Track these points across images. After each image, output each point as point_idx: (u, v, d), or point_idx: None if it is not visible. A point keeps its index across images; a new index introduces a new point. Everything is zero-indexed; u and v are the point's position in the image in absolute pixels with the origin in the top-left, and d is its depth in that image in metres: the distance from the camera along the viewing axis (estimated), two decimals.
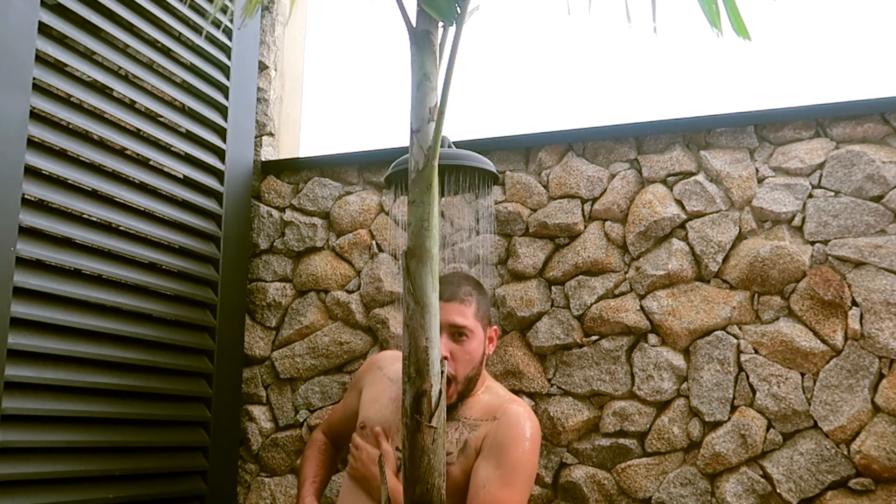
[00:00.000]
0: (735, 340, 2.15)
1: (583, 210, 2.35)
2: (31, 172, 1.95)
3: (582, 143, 2.40)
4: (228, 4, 2.62)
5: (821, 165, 2.16)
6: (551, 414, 2.26)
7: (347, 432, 2.04)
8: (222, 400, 2.49)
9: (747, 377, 2.12)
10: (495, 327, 1.96)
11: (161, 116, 2.38)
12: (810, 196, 2.15)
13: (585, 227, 2.34)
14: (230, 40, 2.62)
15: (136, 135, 2.29)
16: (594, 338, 2.27)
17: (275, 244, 2.70)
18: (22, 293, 1.91)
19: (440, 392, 1.47)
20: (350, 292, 2.57)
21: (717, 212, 2.22)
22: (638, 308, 2.24)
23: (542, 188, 2.40)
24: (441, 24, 1.53)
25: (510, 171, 2.45)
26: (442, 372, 1.49)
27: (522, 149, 2.46)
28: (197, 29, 2.48)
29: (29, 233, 1.95)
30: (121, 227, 2.21)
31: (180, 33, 2.43)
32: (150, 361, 2.25)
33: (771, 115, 2.21)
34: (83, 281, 2.10)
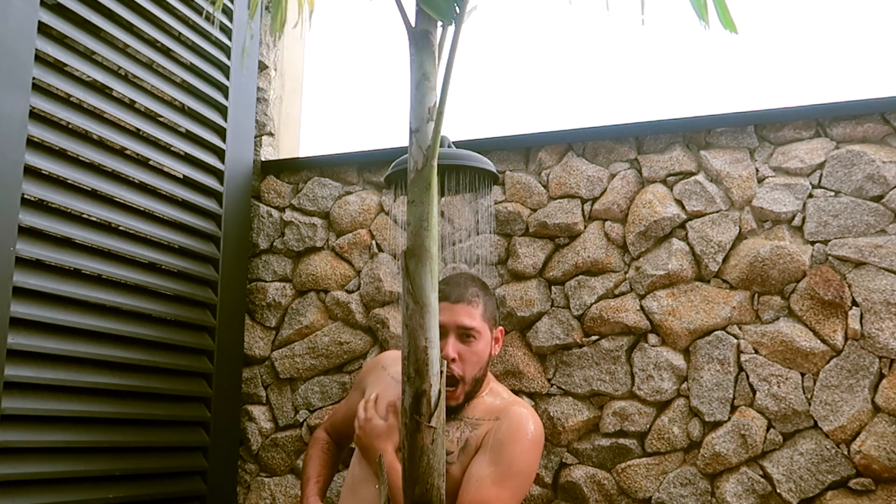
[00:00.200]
0: (735, 340, 2.14)
1: (583, 210, 2.35)
2: (31, 172, 1.95)
3: (582, 143, 2.40)
4: (228, 4, 2.62)
5: (821, 165, 2.15)
6: (551, 414, 2.26)
7: (350, 431, 2.04)
8: (222, 400, 2.49)
9: (747, 377, 2.12)
10: (501, 327, 1.96)
11: (161, 116, 2.38)
12: (810, 196, 2.15)
13: (585, 227, 2.34)
14: (230, 40, 2.62)
15: (136, 135, 2.29)
16: (594, 338, 2.27)
17: (275, 244, 2.70)
18: (22, 293, 1.91)
19: (439, 392, 1.47)
20: (350, 292, 2.57)
21: (717, 212, 2.22)
22: (638, 308, 2.24)
23: (542, 188, 2.40)
24: (440, 23, 1.53)
25: (510, 171, 2.45)
26: (442, 372, 1.49)
27: (522, 149, 2.46)
28: (197, 29, 2.49)
29: (29, 233, 1.95)
30: (121, 227, 2.21)
31: (180, 33, 2.43)
32: (150, 361, 2.25)
33: (771, 115, 2.21)
34: (83, 281, 2.10)
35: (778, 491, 2.05)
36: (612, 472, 2.21)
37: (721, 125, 2.26)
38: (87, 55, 2.14)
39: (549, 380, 2.30)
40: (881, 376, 2.02)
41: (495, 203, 2.42)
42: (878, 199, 2.08)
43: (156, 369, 2.28)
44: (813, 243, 2.12)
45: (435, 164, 1.48)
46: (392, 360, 2.02)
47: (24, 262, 1.93)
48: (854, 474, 2.00)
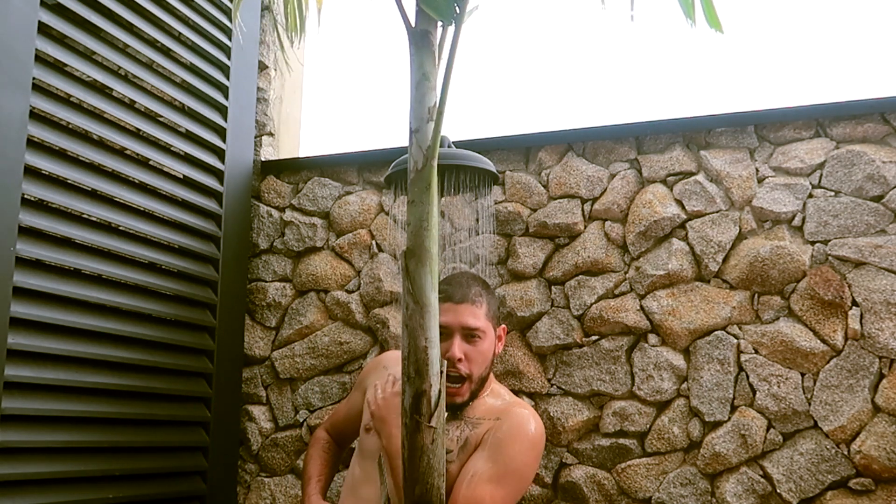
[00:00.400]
0: (735, 340, 2.14)
1: (583, 210, 2.35)
2: (31, 172, 1.95)
3: (582, 143, 2.40)
4: (228, 4, 2.62)
5: (821, 165, 2.15)
6: (551, 414, 2.26)
7: (351, 431, 2.04)
8: (222, 400, 2.49)
9: (747, 377, 2.12)
10: (503, 326, 1.97)
11: (161, 116, 2.38)
12: (810, 196, 2.15)
13: (585, 227, 2.34)
14: (230, 40, 2.62)
15: (136, 135, 2.29)
16: (594, 338, 2.27)
17: (275, 244, 2.70)
18: (22, 293, 1.91)
19: (440, 392, 1.47)
20: (350, 292, 2.57)
21: (717, 212, 2.22)
22: (638, 308, 2.24)
23: (542, 188, 2.40)
24: (440, 23, 1.53)
25: (510, 171, 2.45)
26: (442, 372, 1.49)
27: (522, 149, 2.46)
28: (197, 29, 2.49)
29: (29, 233, 1.95)
30: (121, 227, 2.21)
31: (180, 33, 2.43)
32: (150, 361, 2.25)
33: (771, 115, 2.21)
34: (83, 281, 2.10)
35: (778, 491, 2.05)
36: (612, 472, 2.21)
37: (721, 125, 2.26)
38: (87, 55, 2.14)
39: (549, 380, 2.30)
40: (881, 376, 2.02)
41: (495, 203, 2.42)
42: (878, 199, 2.09)
43: (156, 369, 2.28)
44: (813, 243, 2.12)
45: (435, 164, 1.48)
46: (393, 360, 2.02)
47: (24, 262, 1.93)
48: (854, 474, 2.00)
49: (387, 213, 2.57)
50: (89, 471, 2.06)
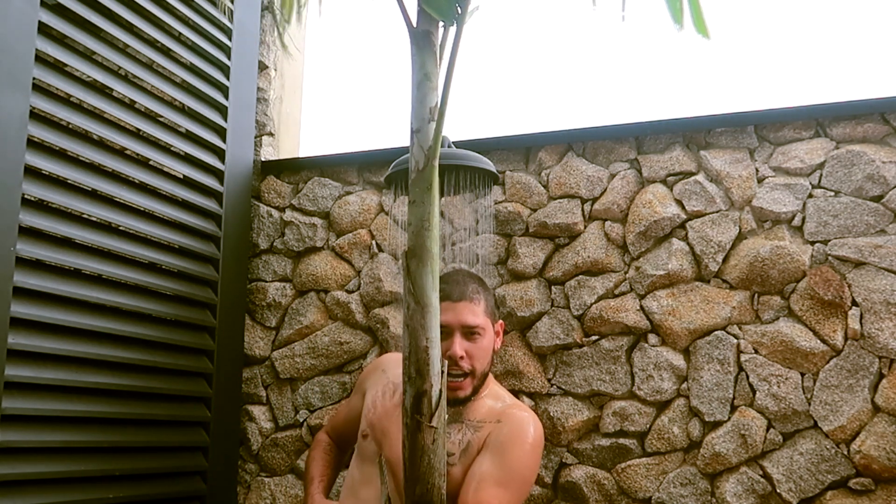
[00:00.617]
0: (735, 340, 2.15)
1: (583, 210, 2.35)
2: (31, 172, 1.95)
3: (582, 143, 2.40)
4: (228, 4, 2.62)
5: (821, 165, 2.16)
6: (551, 414, 2.26)
7: (351, 434, 2.04)
8: (222, 400, 2.49)
9: (747, 377, 2.12)
10: (501, 321, 1.98)
11: (161, 116, 2.38)
12: (810, 196, 2.15)
13: (585, 227, 2.34)
14: (230, 40, 2.62)
15: (136, 135, 2.29)
16: (594, 338, 2.27)
17: (275, 244, 2.70)
18: (22, 293, 1.91)
19: (440, 392, 1.47)
20: (350, 292, 2.57)
21: (717, 212, 2.22)
22: (638, 308, 2.24)
23: (542, 188, 2.40)
24: (441, 23, 1.53)
25: (510, 171, 2.45)
26: (443, 372, 1.49)
27: (522, 149, 2.46)
28: (197, 29, 2.48)
29: (29, 233, 1.95)
30: (121, 227, 2.21)
31: (180, 33, 2.43)
32: (150, 361, 2.25)
33: (771, 115, 2.21)
34: (83, 281, 2.10)
35: (778, 491, 2.05)
36: (612, 472, 2.21)
37: (721, 125, 2.26)
38: (88, 55, 2.14)
39: (549, 380, 2.30)
40: (881, 376, 2.02)
41: (495, 203, 2.42)
42: (877, 199, 2.09)
43: (156, 369, 2.28)
44: (813, 243, 2.12)
45: (436, 164, 1.48)
46: (392, 362, 2.03)
47: (24, 263, 1.93)
48: (854, 474, 2.00)
49: (387, 213, 2.57)
50: (89, 471, 2.06)
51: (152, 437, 2.26)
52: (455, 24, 1.50)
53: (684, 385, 2.18)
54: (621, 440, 2.21)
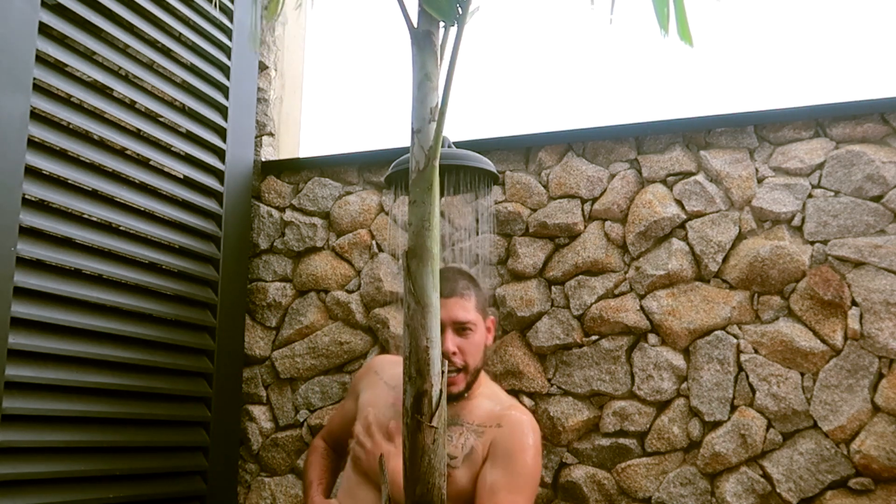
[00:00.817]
0: (735, 340, 2.15)
1: (583, 210, 2.35)
2: (32, 172, 1.95)
3: (582, 143, 2.40)
4: (228, 4, 2.62)
5: (820, 165, 2.16)
6: (551, 414, 2.26)
7: (346, 437, 2.04)
8: (222, 400, 2.49)
9: (747, 377, 2.12)
10: (492, 317, 1.98)
11: (161, 116, 2.38)
12: (810, 196, 2.15)
13: (585, 227, 2.34)
14: (230, 40, 2.62)
15: (136, 135, 2.29)
16: (594, 338, 2.27)
17: (275, 244, 2.70)
18: (22, 293, 1.91)
19: (440, 392, 1.47)
20: (350, 292, 2.57)
21: (717, 212, 2.22)
22: (638, 308, 2.24)
23: (542, 188, 2.40)
24: (442, 24, 1.53)
25: (510, 171, 2.45)
26: (443, 372, 1.49)
27: (522, 149, 2.46)
28: (197, 29, 2.48)
29: (29, 233, 1.95)
30: (121, 227, 2.21)
31: (180, 33, 2.43)
32: (150, 361, 2.25)
33: (771, 115, 2.21)
34: (83, 281, 2.10)
35: (778, 491, 2.05)
36: (612, 472, 2.21)
37: (721, 125, 2.26)
38: (88, 55, 2.14)
39: (549, 380, 2.30)
40: (881, 376, 2.02)
41: (495, 203, 2.42)
42: (877, 199, 2.09)
43: (156, 369, 2.28)
44: (813, 243, 2.12)
45: (437, 164, 1.48)
46: (385, 364, 2.03)
47: (24, 263, 1.93)
48: (854, 474, 2.00)
49: (387, 214, 2.57)
50: (89, 471, 2.06)
51: (152, 437, 2.26)
52: (456, 25, 1.50)
53: (684, 385, 2.18)
54: (621, 440, 2.21)
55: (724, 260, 2.20)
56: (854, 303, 2.06)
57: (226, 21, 2.60)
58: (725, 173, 2.22)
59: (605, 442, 2.22)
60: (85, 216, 2.11)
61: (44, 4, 2.00)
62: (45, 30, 1.99)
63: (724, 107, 2.26)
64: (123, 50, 2.27)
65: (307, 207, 2.67)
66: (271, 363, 2.62)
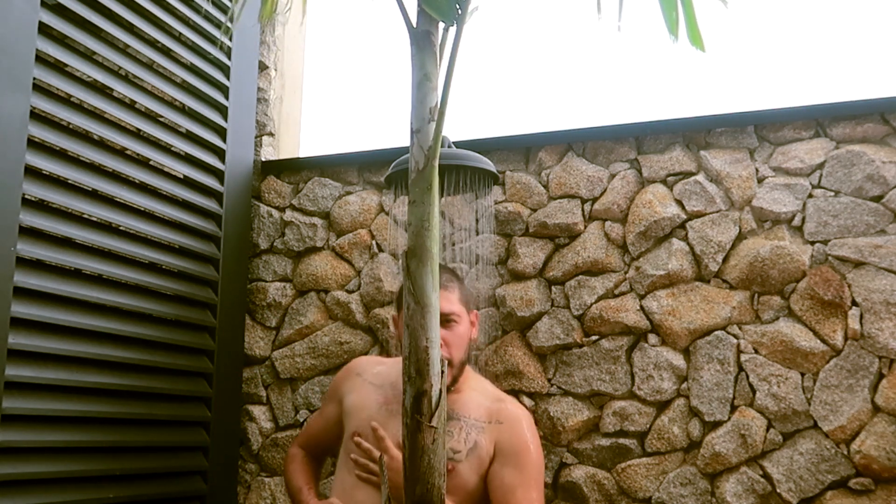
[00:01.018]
0: (735, 340, 2.15)
1: (583, 210, 2.35)
2: (31, 172, 1.95)
3: (582, 143, 2.40)
4: (228, 4, 2.62)
5: (821, 165, 2.16)
6: (551, 414, 2.26)
7: (328, 443, 2.02)
8: (222, 400, 2.49)
9: (747, 377, 2.12)
10: (475, 311, 1.98)
11: (161, 116, 2.38)
12: (810, 196, 2.15)
13: (585, 227, 2.34)
14: (230, 40, 2.62)
15: (136, 135, 2.29)
16: (594, 338, 2.27)
17: (275, 244, 2.70)
18: (22, 293, 1.91)
19: (440, 392, 1.47)
20: (350, 292, 2.57)
21: (717, 212, 2.22)
22: (638, 308, 2.24)
23: (542, 188, 2.40)
24: (441, 24, 1.53)
25: (510, 171, 2.45)
26: (443, 372, 1.49)
27: (522, 149, 2.46)
28: (197, 29, 2.48)
29: (29, 233, 1.95)
30: (121, 227, 2.21)
31: (180, 33, 2.43)
32: (150, 361, 2.25)
33: (771, 115, 2.21)
34: (83, 281, 2.10)
35: (778, 491, 2.05)
36: (612, 472, 2.21)
37: (721, 125, 2.26)
38: (88, 55, 2.14)
39: (549, 380, 2.30)
40: (881, 376, 2.02)
41: (495, 203, 2.42)
42: (877, 199, 2.09)
43: (156, 369, 2.28)
44: (813, 243, 2.12)
45: (436, 164, 1.48)
46: (366, 366, 2.02)
47: (24, 263, 1.93)
48: (854, 474, 2.00)
49: (387, 213, 2.57)
50: (89, 471, 2.06)
51: (152, 437, 2.26)
52: (455, 25, 1.50)
53: (684, 385, 2.18)
54: (621, 440, 2.21)
55: (725, 260, 2.19)
56: (854, 303, 2.06)
57: (226, 21, 2.60)
58: (725, 173, 2.22)
59: (605, 442, 2.22)
60: (85, 216, 2.11)
61: (44, 4, 2.00)
62: (45, 30, 1.99)
63: (724, 107, 2.27)
64: (123, 50, 2.27)
65: (307, 207, 2.67)
66: (271, 363, 2.62)
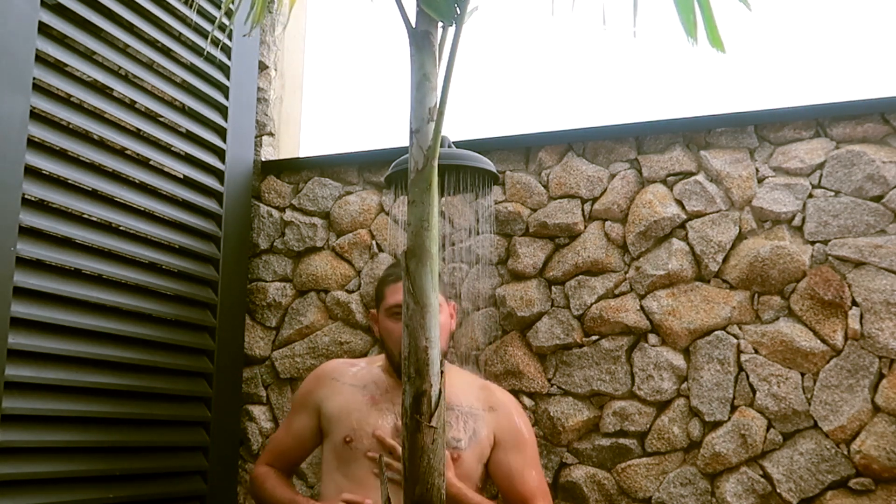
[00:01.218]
0: (735, 340, 2.15)
1: (583, 210, 2.35)
2: (31, 172, 1.95)
3: (582, 143, 2.40)
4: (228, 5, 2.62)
5: (821, 165, 2.16)
6: (551, 414, 2.26)
7: (299, 457, 2.02)
8: (222, 400, 2.50)
9: (747, 377, 2.12)
10: (453, 303, 2.00)
11: (161, 116, 2.38)
12: (810, 196, 2.15)
13: (585, 227, 2.34)
14: (230, 40, 2.62)
15: (136, 135, 2.29)
16: (594, 338, 2.27)
17: (275, 244, 2.70)
18: (22, 293, 1.91)
19: (440, 392, 1.47)
20: (350, 292, 2.57)
21: (717, 212, 2.22)
22: (638, 308, 2.24)
23: (542, 188, 2.40)
24: (441, 24, 1.53)
25: (510, 171, 2.45)
26: (442, 372, 1.49)
27: (522, 149, 2.46)
28: (197, 28, 2.48)
29: (29, 233, 1.95)
30: (121, 227, 2.22)
31: (180, 33, 2.43)
32: (150, 361, 2.25)
33: (771, 115, 2.21)
34: (83, 281, 2.10)
35: (778, 491, 2.05)
36: (612, 472, 2.21)
37: (721, 125, 2.26)
38: (88, 55, 2.14)
39: (549, 380, 2.30)
40: (881, 376, 2.02)
41: (495, 203, 2.42)
42: (878, 199, 2.09)
43: (156, 369, 2.28)
44: (813, 243, 2.12)
45: (436, 164, 1.48)
46: (339, 369, 2.01)
47: (24, 263, 1.93)
48: (854, 474, 2.00)
49: (387, 213, 2.57)
50: (89, 471, 2.06)
51: (152, 437, 2.26)
52: (454, 25, 1.50)
53: (684, 385, 2.18)
54: (621, 440, 2.21)
55: (725, 260, 2.19)
56: (854, 303, 2.06)
57: (226, 20, 2.60)
58: (726, 173, 2.22)
59: (605, 442, 2.22)
60: (85, 216, 2.11)
61: (44, 4, 2.00)
62: (45, 30, 1.99)
63: (724, 107, 2.26)
64: (123, 50, 2.27)
65: (307, 207, 2.67)
66: (271, 363, 2.62)
